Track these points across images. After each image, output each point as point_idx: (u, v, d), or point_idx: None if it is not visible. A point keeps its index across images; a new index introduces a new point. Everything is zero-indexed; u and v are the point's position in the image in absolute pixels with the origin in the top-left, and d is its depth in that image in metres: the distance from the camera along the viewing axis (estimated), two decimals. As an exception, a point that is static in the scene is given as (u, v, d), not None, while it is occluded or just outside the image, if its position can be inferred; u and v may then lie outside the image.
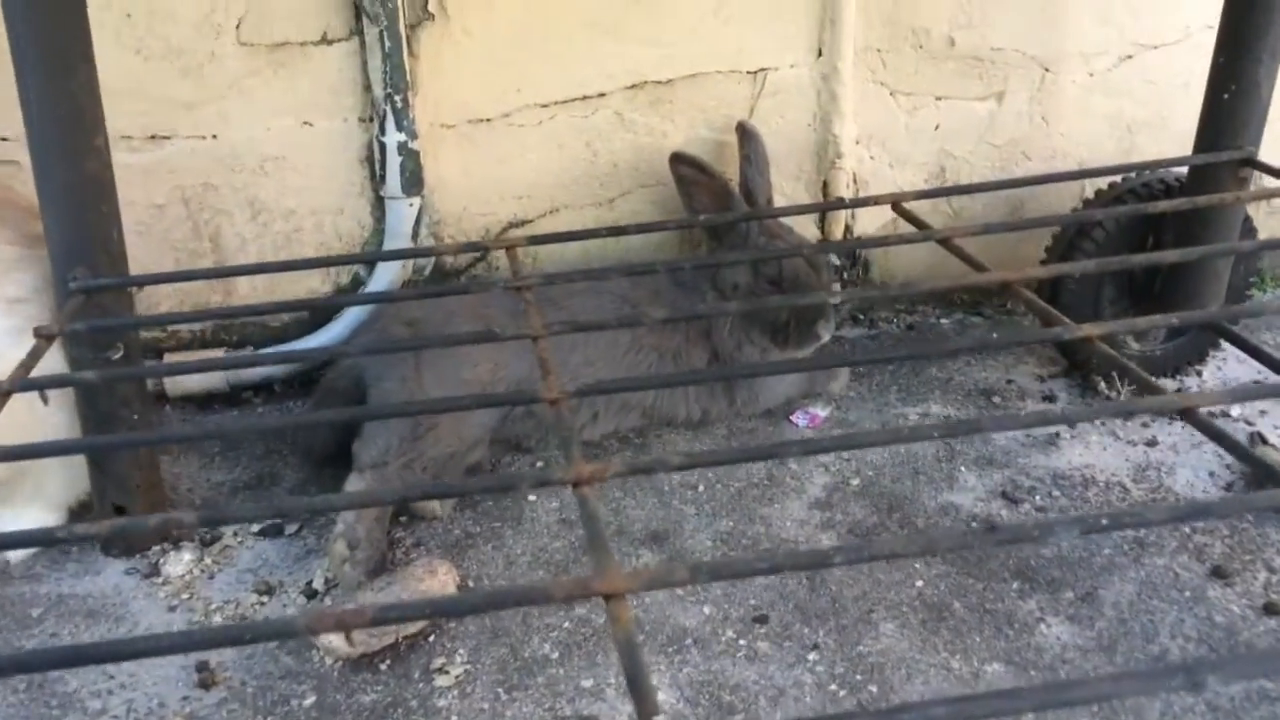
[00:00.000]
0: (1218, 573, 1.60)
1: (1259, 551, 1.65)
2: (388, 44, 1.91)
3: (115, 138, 1.82)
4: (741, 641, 1.49)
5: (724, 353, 2.03)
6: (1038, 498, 1.80)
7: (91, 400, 1.59)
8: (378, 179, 2.03)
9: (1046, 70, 2.24)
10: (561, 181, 2.16)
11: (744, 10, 2.09)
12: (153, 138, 1.96)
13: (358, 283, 2.13)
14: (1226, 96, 1.81)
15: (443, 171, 2.08)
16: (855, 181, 2.27)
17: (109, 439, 1.50)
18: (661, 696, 1.39)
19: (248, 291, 2.11)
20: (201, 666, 1.45)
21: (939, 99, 2.24)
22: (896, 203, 1.71)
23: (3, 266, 1.60)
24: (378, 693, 1.41)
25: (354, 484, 1.70)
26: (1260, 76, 1.79)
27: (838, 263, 2.34)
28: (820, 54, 2.14)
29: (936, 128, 2.26)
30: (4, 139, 1.90)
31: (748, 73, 2.15)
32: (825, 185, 2.26)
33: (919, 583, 1.60)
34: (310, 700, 1.40)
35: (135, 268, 1.84)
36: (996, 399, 2.12)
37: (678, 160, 2.01)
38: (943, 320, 2.46)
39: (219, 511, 1.18)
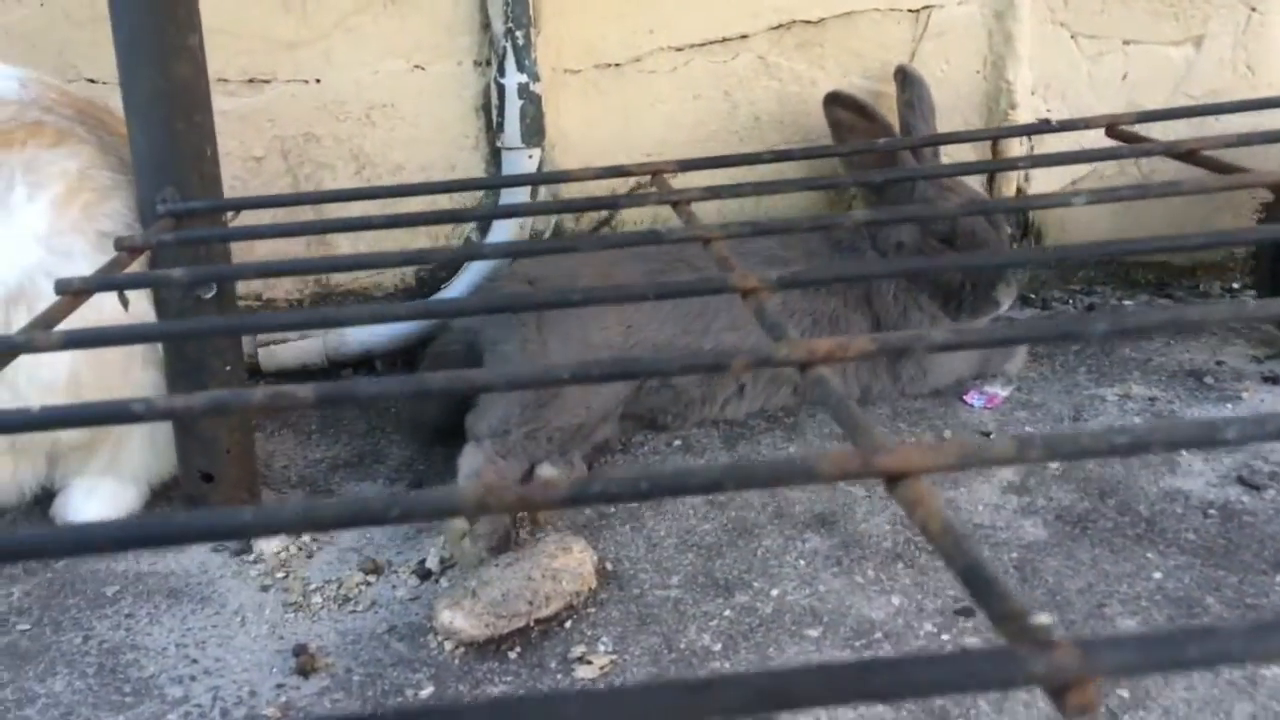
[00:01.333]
0: None
1: None
2: (510, -30, 1.72)
3: (212, 81, 1.64)
4: (944, 636, 1.21)
5: (887, 320, 1.76)
6: (1282, 482, 1.49)
7: (179, 350, 1.39)
8: (494, 128, 1.83)
9: (1253, 10, 1.96)
10: (696, 136, 1.93)
11: (907, -63, 1.86)
12: (250, 81, 1.78)
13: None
14: None
15: (564, 123, 1.87)
16: (1030, 138, 2.00)
17: (189, 325, 1.26)
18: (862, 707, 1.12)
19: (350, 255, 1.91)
20: (299, 650, 1.22)
21: (1127, 43, 1.96)
22: (1112, 125, 1.44)
23: (96, 196, 1.41)
24: (507, 684, 1.17)
25: (471, 454, 1.47)
26: None
27: (1007, 230, 2.06)
28: (992, -12, 1.90)
29: (1124, 77, 1.98)
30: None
31: (909, 10, 1.91)
32: (995, 143, 1.99)
33: (1156, 574, 1.31)
34: (427, 690, 1.16)
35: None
36: (1208, 379, 1.81)
37: (834, 101, 1.77)
38: (1125, 301, 2.16)
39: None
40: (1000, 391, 1.78)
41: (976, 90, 1.96)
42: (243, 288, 1.88)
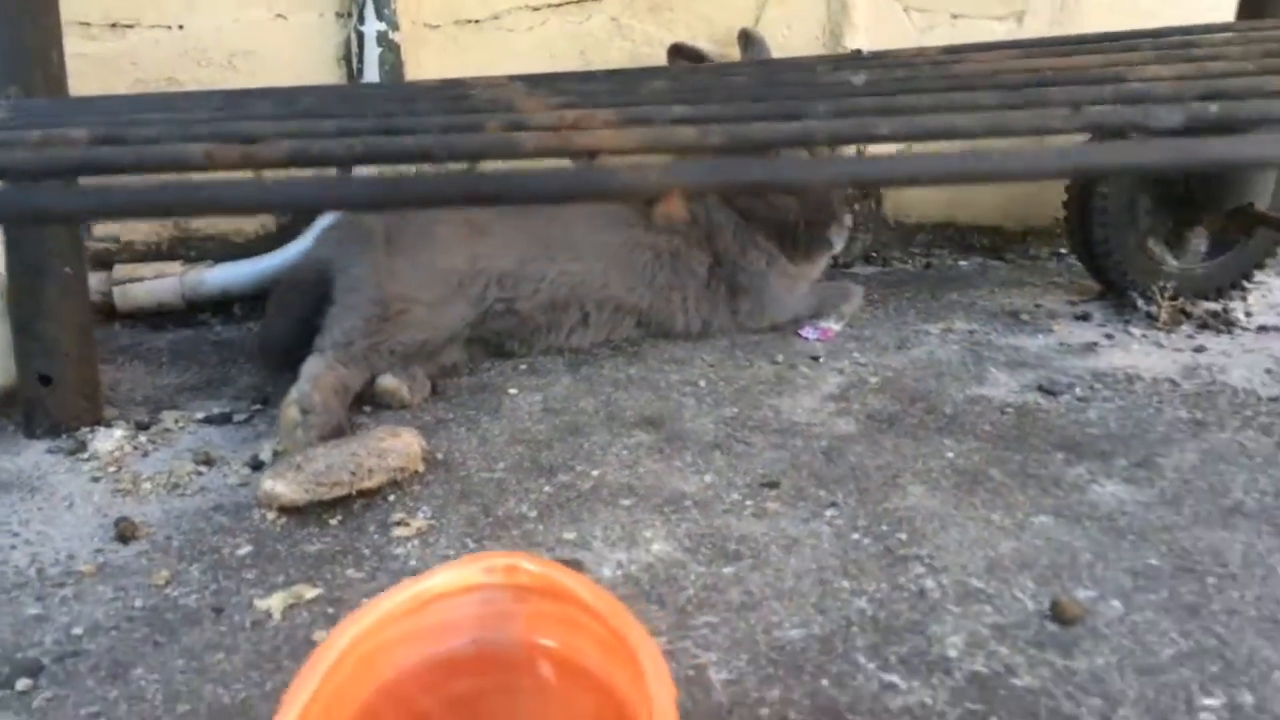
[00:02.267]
0: (1291, 443, 1.40)
1: (1335, 426, 1.46)
2: (368, -78, 1.80)
3: (72, 24, 1.70)
4: (749, 503, 1.29)
5: (726, 257, 1.86)
6: (1078, 390, 1.61)
7: (17, 244, 1.41)
8: (355, 74, 1.89)
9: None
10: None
11: (744, -93, 1.99)
12: (114, 26, 1.83)
13: (331, 194, 1.97)
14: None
15: (425, 74, 1.95)
16: (865, 102, 2.13)
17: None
18: (656, 547, 1.18)
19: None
20: (120, 521, 1.24)
21: (955, 16, 2.12)
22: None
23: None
24: (324, 543, 1.21)
25: (313, 362, 1.52)
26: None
27: (847, 192, 2.18)
28: (827, -42, 2.03)
29: (950, 47, 2.13)
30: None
31: (755, -30, 2.03)
32: (833, 103, 2.11)
33: (949, 454, 1.41)
34: (245, 550, 1.20)
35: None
36: (1024, 316, 1.94)
37: (677, 52, 1.88)
38: (961, 262, 2.29)
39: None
40: (833, 325, 1.88)
41: (819, 49, 2.09)
42: (100, 229, 1.91)
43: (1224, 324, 1.87)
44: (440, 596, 0.79)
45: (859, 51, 1.96)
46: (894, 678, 0.95)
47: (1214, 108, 0.68)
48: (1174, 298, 1.92)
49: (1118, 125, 0.67)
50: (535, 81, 1.30)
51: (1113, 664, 0.96)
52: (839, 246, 1.90)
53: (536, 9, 1.96)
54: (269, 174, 0.57)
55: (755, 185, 0.48)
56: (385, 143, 0.57)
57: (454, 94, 1.14)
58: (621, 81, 1.27)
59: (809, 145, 0.66)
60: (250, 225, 1.96)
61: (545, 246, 1.75)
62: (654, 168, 0.47)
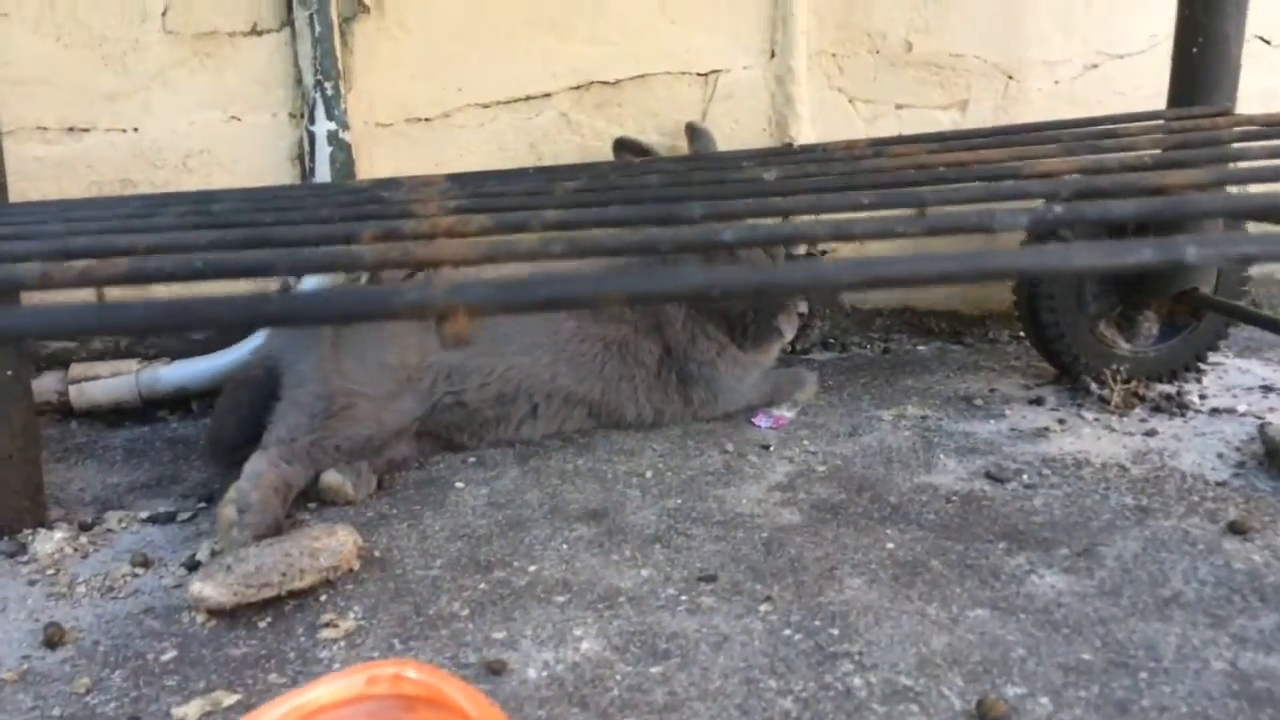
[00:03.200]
0: (1235, 528, 1.40)
1: None
2: (318, 29, 1.85)
3: (30, 129, 1.74)
4: (683, 598, 1.28)
5: (676, 346, 1.87)
6: (1025, 476, 1.61)
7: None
8: (307, 174, 1.93)
9: (1010, 78, 2.17)
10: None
11: (691, 8, 2.04)
12: (70, 130, 1.86)
13: (286, 289, 1.99)
14: (1195, 51, 1.73)
15: (377, 171, 1.98)
16: (817, 191, 2.16)
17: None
18: (585, 646, 1.17)
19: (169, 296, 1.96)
20: (49, 627, 1.23)
21: (900, 107, 2.16)
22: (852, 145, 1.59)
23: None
24: (250, 646, 1.19)
25: (256, 459, 1.51)
26: (1229, 29, 1.71)
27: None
28: (773, 55, 2.08)
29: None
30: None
31: (698, 74, 2.08)
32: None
33: (890, 545, 1.40)
34: (170, 655, 1.18)
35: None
36: (978, 401, 1.94)
37: (621, 146, 1.92)
38: (920, 347, 2.30)
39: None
40: (786, 414, 1.88)
41: (764, 146, 2.12)
42: (57, 328, 1.92)
43: (1178, 407, 1.88)
44: (324, 709, 0.78)
45: (790, 145, 2.01)
46: (810, 781, 0.94)
47: (1058, 209, 0.70)
48: (1127, 381, 1.93)
49: (956, 228, 0.68)
50: (464, 180, 1.32)
51: (1034, 764, 0.95)
52: (789, 335, 1.91)
53: (486, 106, 2.00)
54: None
55: (543, 304, 0.49)
56: (230, 259, 0.58)
57: (370, 195, 1.16)
58: (545, 179, 1.30)
59: (650, 254, 0.67)
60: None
61: (493, 339, 1.75)
62: (440, 287, 0.47)
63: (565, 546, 1.42)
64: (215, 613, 1.24)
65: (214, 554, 1.40)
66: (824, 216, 1.08)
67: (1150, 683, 1.06)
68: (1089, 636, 1.16)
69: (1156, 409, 1.88)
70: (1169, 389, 1.95)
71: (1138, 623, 1.18)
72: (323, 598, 1.29)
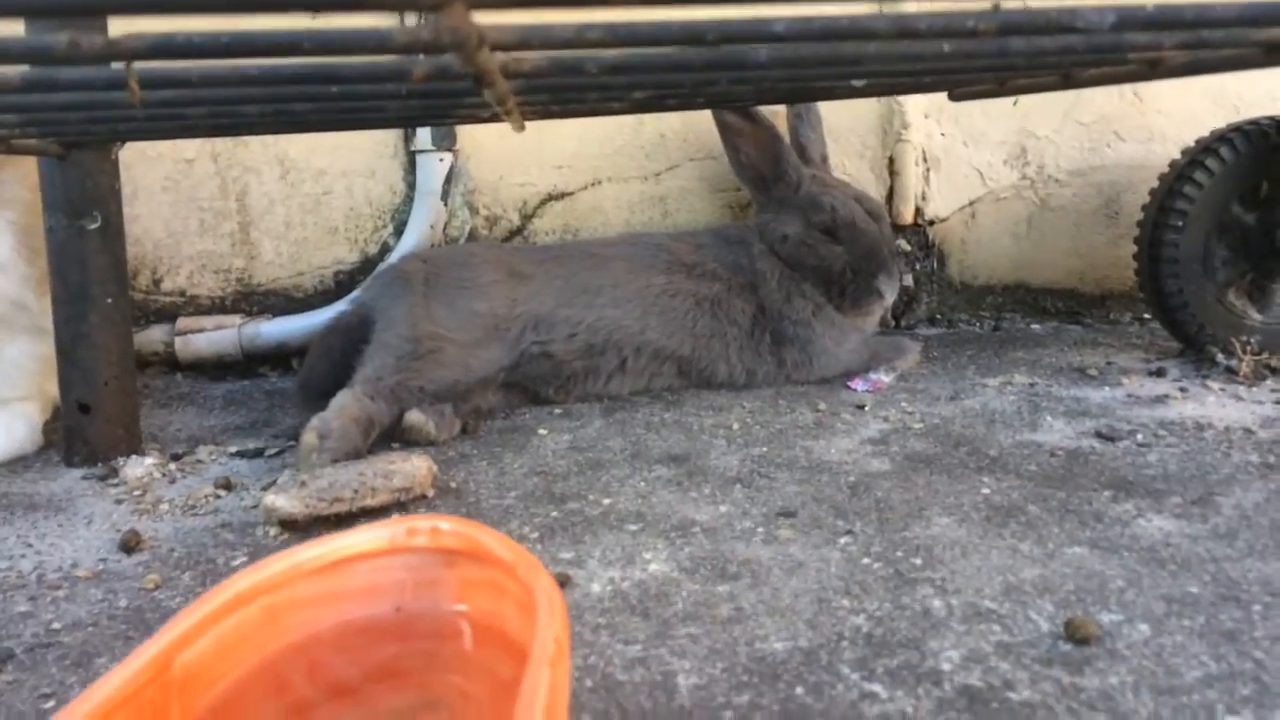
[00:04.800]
0: (1373, 482, 1.27)
1: None
2: (423, -13, 1.87)
3: (150, 86, 1.78)
4: (760, 530, 1.22)
5: (771, 306, 1.82)
6: (1140, 436, 1.50)
7: (62, 271, 1.47)
8: (409, 132, 1.95)
9: (1132, 41, 2.06)
10: (604, 151, 2.04)
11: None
12: (187, 89, 1.92)
13: (386, 251, 2.02)
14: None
15: (478, 134, 1.99)
16: (925, 159, 2.09)
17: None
18: (654, 567, 1.13)
19: (271, 257, 2.01)
20: (129, 534, 1.25)
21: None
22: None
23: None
24: (316, 556, 1.18)
25: (342, 395, 1.53)
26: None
27: (907, 249, 2.13)
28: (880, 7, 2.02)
29: (1015, 103, 2.08)
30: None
31: (802, 36, 2.03)
32: (891, 162, 2.08)
33: (985, 490, 1.32)
34: (240, 561, 1.18)
35: (159, 225, 1.78)
36: (1092, 372, 1.83)
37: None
38: (1033, 325, 2.20)
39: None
40: (884, 378, 1.81)
41: (872, 111, 2.06)
42: (168, 283, 1.98)
43: (1313, 379, 1.74)
44: (360, 558, 0.75)
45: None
46: (876, 687, 0.87)
47: (1149, 7, 0.63)
48: (1258, 352, 1.79)
49: (1034, 26, 0.63)
50: None
51: (1128, 684, 0.86)
52: (889, 297, 1.84)
53: (590, 70, 1.99)
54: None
55: None
56: (258, 33, 0.57)
57: None
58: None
59: (694, 43, 0.63)
60: (310, 281, 2.01)
61: (583, 291, 1.74)
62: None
63: (643, 484, 1.38)
64: (287, 524, 1.24)
65: (293, 478, 1.41)
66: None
67: (1265, 615, 0.96)
68: (1198, 572, 1.06)
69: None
70: (1306, 362, 1.81)
71: (1254, 562, 1.08)
72: (393, 516, 1.28)
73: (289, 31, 0.56)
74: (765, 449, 1.50)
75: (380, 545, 0.76)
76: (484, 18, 0.57)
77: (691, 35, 0.60)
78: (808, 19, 0.61)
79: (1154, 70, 1.00)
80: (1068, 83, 1.11)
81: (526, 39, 0.54)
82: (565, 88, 0.96)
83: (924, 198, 2.11)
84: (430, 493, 1.34)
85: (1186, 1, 0.63)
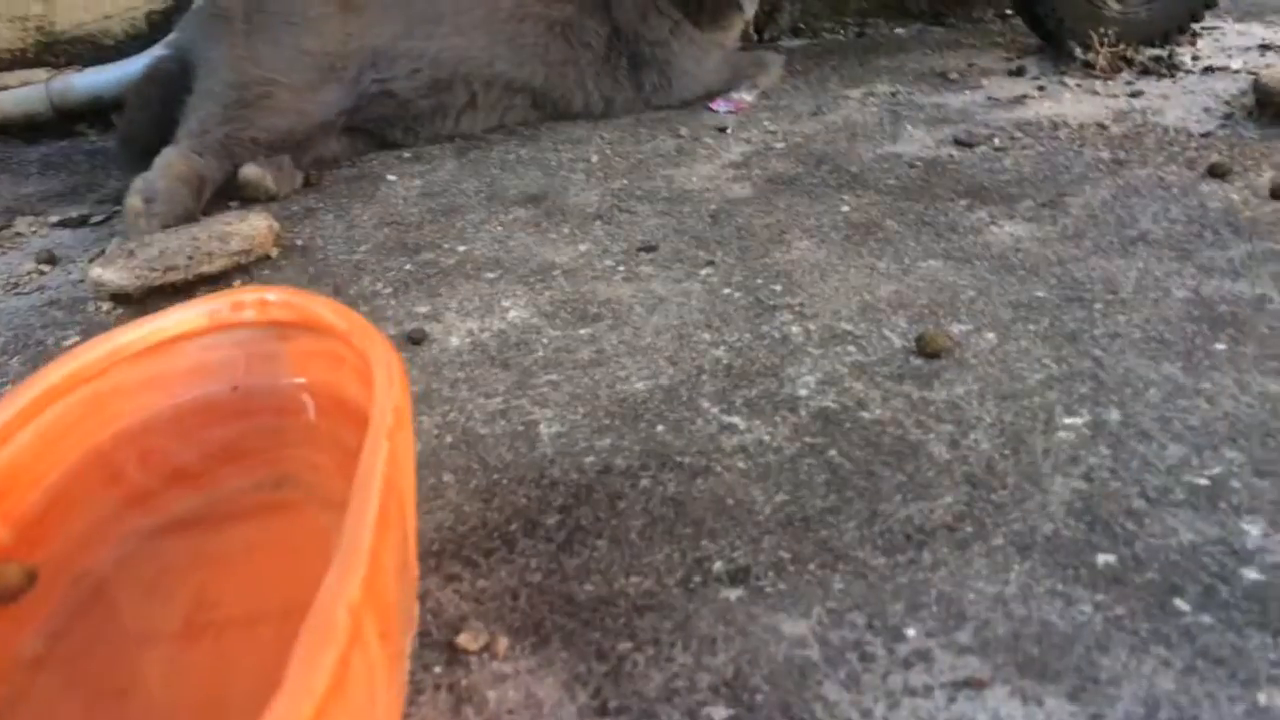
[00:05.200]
0: (1214, 171, 1.30)
1: (1267, 156, 1.35)
2: None
3: None
4: (620, 268, 1.20)
5: (626, 26, 1.72)
6: (996, 140, 1.50)
7: None
8: None
9: None
10: None
11: None
12: None
13: (198, -9, 1.82)
14: None
15: None
16: None
17: None
18: (513, 315, 1.10)
19: (73, 0, 1.80)
20: (-53, 322, 1.16)
21: None
22: None
23: None
24: (156, 330, 1.12)
25: (166, 154, 1.40)
26: None
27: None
28: None
29: None
30: None
31: None
32: None
33: (844, 209, 1.31)
34: (72, 341, 1.12)
35: None
36: (953, 76, 1.81)
37: None
38: (898, 30, 2.14)
39: None
40: (746, 97, 1.75)
41: None
42: (-46, 37, 1.77)
43: (1167, 68, 1.74)
44: (185, 337, 0.70)
45: None
46: (735, 419, 0.88)
47: None
48: (1115, 44, 1.78)
49: None
50: None
51: (974, 392, 0.89)
52: (750, 10, 1.75)
53: None
54: None
55: None
56: None
57: None
58: None
59: None
60: (118, 26, 1.82)
61: (424, 20, 1.61)
62: None
63: (500, 229, 1.33)
64: (119, 299, 1.17)
65: (119, 245, 1.31)
66: None
67: (1105, 313, 0.99)
68: (1045, 276, 1.08)
69: (1145, 72, 1.75)
70: (1159, 52, 1.81)
71: (1098, 260, 1.10)
72: (236, 282, 1.21)
73: None
74: (625, 181, 1.45)
75: (204, 323, 0.71)
76: None
77: None
78: None
79: None
80: None
81: None
82: None
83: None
84: (274, 252, 1.27)
85: None
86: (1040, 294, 1.04)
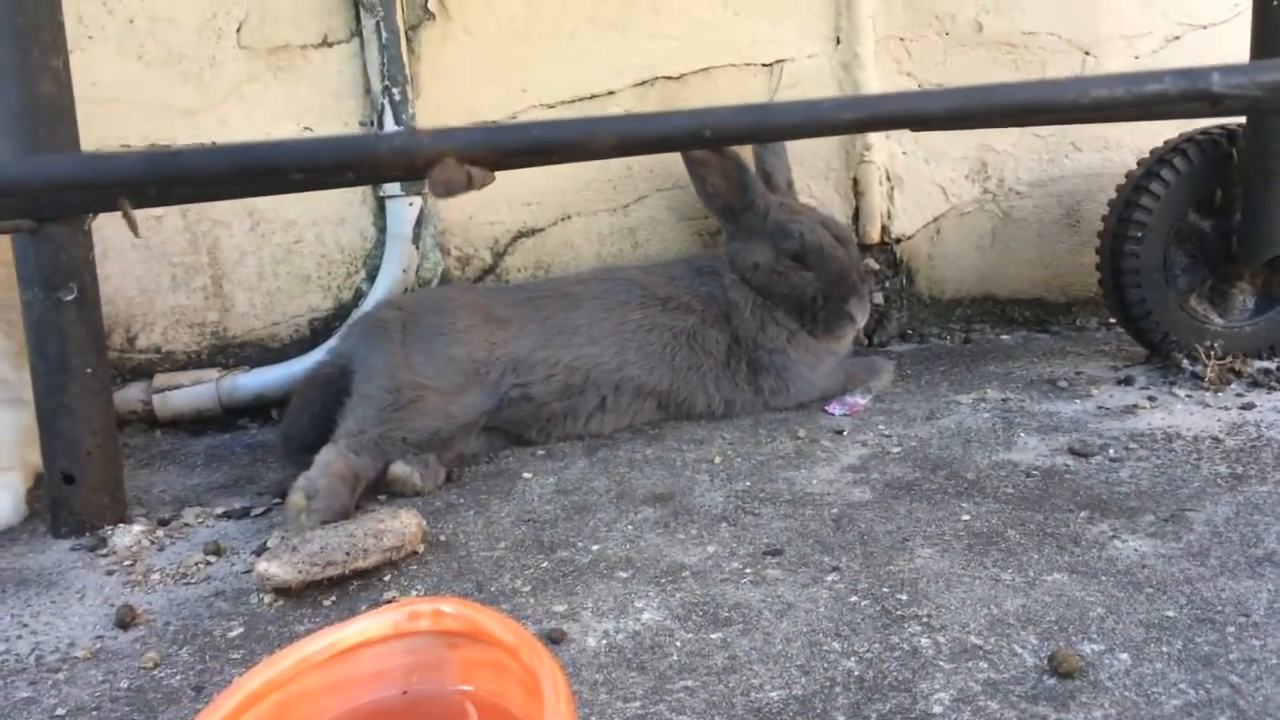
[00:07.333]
0: (1337, 490, 1.31)
1: (1388, 473, 1.36)
2: (385, 35, 1.89)
3: (115, 145, 1.80)
4: (748, 570, 1.25)
5: (745, 335, 1.84)
6: (1111, 451, 1.54)
7: (41, 343, 1.47)
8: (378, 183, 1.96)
9: (1087, 54, 2.11)
10: (573, 186, 2.06)
11: (753, -1, 2.03)
12: (152, 146, 1.93)
13: (360, 296, 2.03)
14: (1276, 4, 1.65)
15: (448, 176, 2.00)
16: (889, 179, 2.12)
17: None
18: (646, 617, 1.15)
19: (245, 309, 2.02)
20: (123, 609, 1.26)
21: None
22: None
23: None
24: (315, 623, 1.20)
25: (326, 451, 1.53)
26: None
27: (875, 267, 2.16)
28: (839, 42, 2.06)
29: (971, 120, 2.12)
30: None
31: (763, 65, 2.06)
32: (855, 182, 2.12)
33: (965, 517, 1.35)
34: (236, 632, 1.19)
35: (131, 283, 1.79)
36: (1062, 384, 1.87)
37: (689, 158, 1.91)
38: (1003, 336, 2.24)
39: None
40: (860, 401, 1.84)
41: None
42: (143, 340, 1.99)
43: (1277, 381, 1.78)
44: (364, 645, 0.77)
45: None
46: (871, 735, 0.90)
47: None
48: (1222, 357, 1.84)
49: (1038, 104, 0.65)
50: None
51: (1111, 715, 0.89)
52: (861, 320, 1.87)
53: (551, 106, 2.01)
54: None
55: (533, 148, 0.48)
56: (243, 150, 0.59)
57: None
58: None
59: (697, 145, 0.66)
60: (285, 330, 2.02)
61: (560, 331, 1.76)
62: (427, 132, 0.47)
63: (630, 527, 1.40)
64: (281, 591, 1.25)
65: (283, 540, 1.42)
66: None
67: (1239, 637, 1.00)
68: (1173, 595, 1.09)
69: (1254, 384, 1.79)
70: (1268, 364, 1.85)
71: (1227, 581, 1.11)
72: (386, 577, 1.29)
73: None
74: (748, 483, 1.52)
75: (384, 631, 0.78)
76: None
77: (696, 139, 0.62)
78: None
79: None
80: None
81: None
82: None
83: (889, 216, 2.15)
84: (421, 549, 1.36)
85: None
86: (1170, 614, 1.05)
